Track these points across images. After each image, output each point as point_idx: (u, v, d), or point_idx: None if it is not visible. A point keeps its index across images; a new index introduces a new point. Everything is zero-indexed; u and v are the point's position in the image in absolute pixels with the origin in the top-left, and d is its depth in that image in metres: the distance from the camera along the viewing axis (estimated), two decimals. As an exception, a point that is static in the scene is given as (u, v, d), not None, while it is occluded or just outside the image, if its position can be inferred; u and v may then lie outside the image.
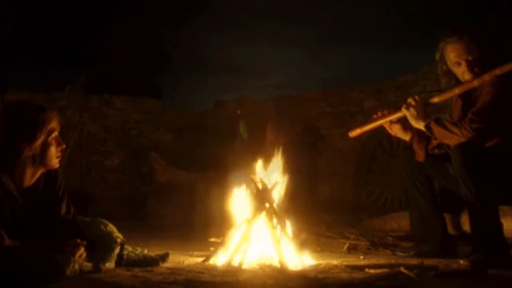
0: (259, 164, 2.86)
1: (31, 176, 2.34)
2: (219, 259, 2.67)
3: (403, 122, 3.09)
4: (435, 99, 2.93)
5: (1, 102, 6.35)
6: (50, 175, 2.42)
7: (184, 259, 2.84)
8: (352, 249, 3.39)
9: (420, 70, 6.33)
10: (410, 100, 2.95)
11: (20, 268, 1.99)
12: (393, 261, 2.82)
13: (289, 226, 2.75)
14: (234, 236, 2.73)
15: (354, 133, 3.23)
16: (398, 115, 3.05)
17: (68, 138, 6.57)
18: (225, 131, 6.52)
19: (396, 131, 3.13)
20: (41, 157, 2.32)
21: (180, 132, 7.59)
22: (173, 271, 2.37)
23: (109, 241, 2.45)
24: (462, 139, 2.71)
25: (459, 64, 2.85)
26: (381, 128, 3.20)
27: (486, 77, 2.73)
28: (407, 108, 2.94)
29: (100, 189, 7.08)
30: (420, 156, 3.01)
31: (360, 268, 2.44)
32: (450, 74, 2.95)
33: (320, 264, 2.64)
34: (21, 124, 2.29)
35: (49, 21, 11.29)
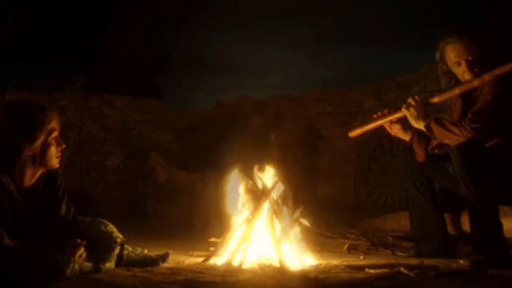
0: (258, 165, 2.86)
1: (31, 176, 2.34)
2: (219, 259, 2.67)
3: (403, 122, 3.09)
4: (435, 99, 2.93)
5: (1, 102, 6.36)
6: (50, 175, 2.42)
7: (184, 259, 2.84)
8: (352, 249, 3.39)
9: (420, 70, 6.34)
10: (410, 100, 2.95)
11: (20, 268, 1.98)
12: (393, 261, 2.82)
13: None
14: (234, 236, 2.73)
15: (354, 133, 3.23)
16: (398, 115, 3.05)
17: (68, 138, 6.57)
18: (225, 131, 6.52)
19: (396, 131, 3.13)
20: (41, 157, 2.32)
21: (180, 132, 7.59)
22: (173, 271, 2.37)
23: (109, 241, 2.45)
24: (462, 139, 2.71)
25: (459, 64, 2.85)
26: (381, 128, 3.20)
27: (486, 77, 2.73)
28: (407, 108, 2.94)
29: (100, 189, 7.07)
30: (420, 156, 3.01)
31: (360, 268, 2.43)
32: (450, 74, 2.95)
33: (320, 264, 2.64)
34: (21, 124, 2.29)
35: (49, 21, 11.30)
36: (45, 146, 2.32)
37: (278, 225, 2.68)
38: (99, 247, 2.42)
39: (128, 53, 11.78)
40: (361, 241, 3.74)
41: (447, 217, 3.11)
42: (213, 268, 2.49)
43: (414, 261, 2.75)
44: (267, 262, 2.54)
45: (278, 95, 7.74)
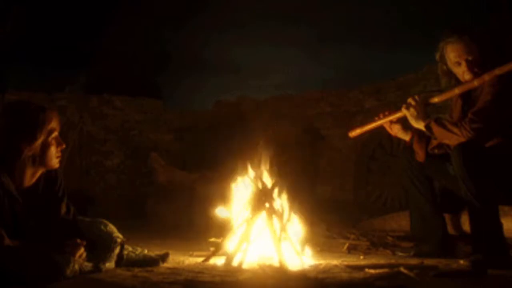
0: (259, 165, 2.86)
1: (31, 176, 2.34)
2: (219, 259, 2.67)
3: (403, 122, 3.09)
4: (435, 99, 2.93)
5: (1, 102, 6.35)
6: (50, 175, 2.42)
7: (184, 259, 2.84)
8: (352, 249, 3.39)
9: (420, 70, 6.33)
10: (410, 100, 2.95)
11: (20, 268, 1.98)
12: (393, 261, 2.82)
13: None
14: (234, 236, 2.73)
15: (354, 133, 3.24)
16: (398, 115, 3.06)
17: (68, 138, 6.57)
18: (225, 131, 6.52)
19: (396, 131, 3.13)
20: (41, 157, 2.32)
21: (180, 132, 7.59)
22: (173, 271, 2.37)
23: (109, 241, 2.45)
24: (462, 139, 2.71)
25: (459, 64, 2.85)
26: (381, 128, 3.20)
27: (486, 77, 2.73)
28: (407, 108, 2.94)
29: (100, 189, 7.08)
30: (420, 156, 3.01)
31: (360, 268, 2.43)
32: (450, 74, 2.95)
33: (320, 264, 2.64)
34: (21, 124, 2.29)
35: (49, 21, 11.30)
36: (45, 146, 2.32)
37: (278, 225, 2.68)
38: (99, 247, 2.42)
39: (128, 53, 11.79)
40: (361, 241, 3.74)
41: (447, 217, 3.11)
42: (213, 268, 2.49)
43: (414, 261, 2.75)
44: (267, 262, 2.54)
45: (278, 95, 7.74)
